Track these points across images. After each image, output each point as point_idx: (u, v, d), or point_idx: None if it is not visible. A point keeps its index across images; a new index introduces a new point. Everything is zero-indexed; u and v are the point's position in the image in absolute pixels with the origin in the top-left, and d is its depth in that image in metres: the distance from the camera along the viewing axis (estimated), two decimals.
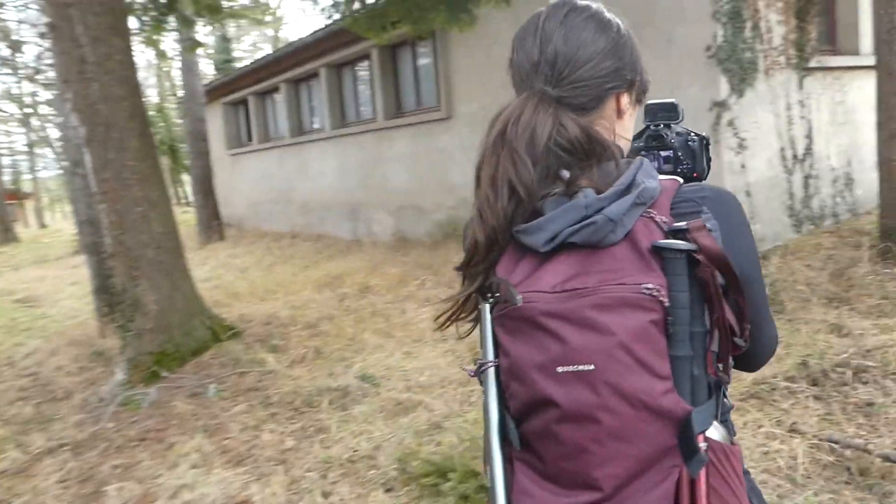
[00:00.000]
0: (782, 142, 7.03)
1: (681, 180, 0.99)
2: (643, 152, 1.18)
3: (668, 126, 1.18)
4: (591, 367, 0.86)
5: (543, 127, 0.94)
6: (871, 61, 7.98)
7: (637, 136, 1.20)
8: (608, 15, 1.04)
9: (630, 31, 1.07)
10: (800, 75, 7.18)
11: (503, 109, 1.00)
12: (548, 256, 0.93)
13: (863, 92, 7.85)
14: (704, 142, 1.18)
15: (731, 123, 6.40)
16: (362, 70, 12.01)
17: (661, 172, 1.12)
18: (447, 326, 1.04)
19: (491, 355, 0.95)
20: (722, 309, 0.90)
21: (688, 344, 0.89)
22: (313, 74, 13.01)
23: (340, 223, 12.46)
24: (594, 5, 1.04)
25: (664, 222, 0.91)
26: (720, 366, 0.94)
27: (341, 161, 12.28)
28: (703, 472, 0.87)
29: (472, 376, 0.97)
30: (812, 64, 7.20)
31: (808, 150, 7.29)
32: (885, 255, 5.03)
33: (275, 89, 14.64)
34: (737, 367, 1.05)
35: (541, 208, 0.93)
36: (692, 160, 1.17)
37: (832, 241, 6.52)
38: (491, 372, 0.95)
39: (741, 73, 6.44)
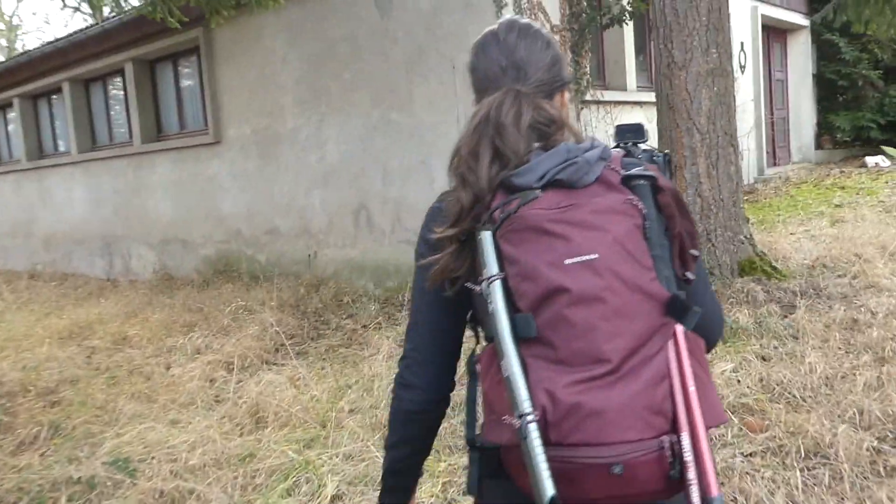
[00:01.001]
0: None
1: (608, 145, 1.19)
2: None
3: (635, 145, 1.30)
4: (596, 255, 1.03)
5: (527, 111, 1.18)
6: (637, 97, 8.52)
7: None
8: (545, 32, 1.31)
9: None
10: (577, 108, 7.33)
11: (482, 104, 1.22)
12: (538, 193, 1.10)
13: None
14: (666, 158, 1.32)
15: None
16: (115, 87, 10.67)
17: None
18: (437, 284, 1.19)
19: (496, 270, 1.06)
20: (679, 224, 1.10)
21: (659, 247, 1.08)
22: (55, 89, 11.38)
23: (92, 259, 10.93)
24: (535, 24, 1.31)
25: (622, 171, 1.12)
26: (684, 272, 1.14)
27: (92, 189, 10.80)
28: (683, 349, 1.02)
29: (480, 291, 1.08)
30: (587, 97, 7.40)
31: None
32: None
33: (7, 105, 12.66)
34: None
35: (526, 161, 1.13)
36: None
37: None
38: (497, 284, 1.05)
39: None
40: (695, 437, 0.98)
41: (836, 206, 8.32)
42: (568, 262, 1.03)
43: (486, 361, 1.09)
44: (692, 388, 1.00)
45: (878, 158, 11.68)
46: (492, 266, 1.06)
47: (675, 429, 0.99)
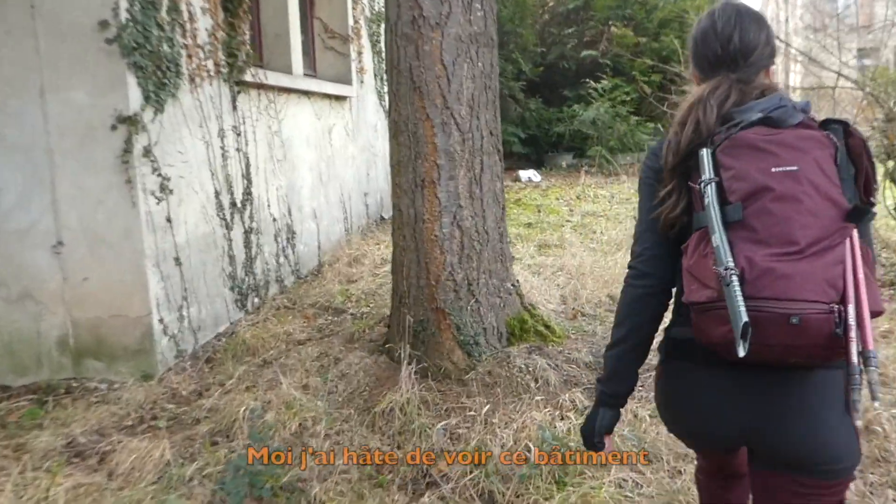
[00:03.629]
0: (218, 183, 4.85)
1: None
2: None
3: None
4: (796, 167, 1.30)
5: (731, 97, 1.44)
6: (306, 85, 6.59)
7: None
8: (758, 12, 1.54)
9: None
10: (233, 91, 5.12)
11: (700, 90, 1.48)
12: (751, 127, 1.37)
13: (297, 121, 6.28)
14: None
15: (148, 152, 3.90)
16: None
17: None
18: (671, 217, 1.46)
19: (712, 174, 1.34)
20: (865, 161, 1.36)
21: (846, 172, 1.34)
22: None
23: None
24: (747, 6, 1.55)
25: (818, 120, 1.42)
26: (868, 198, 1.36)
27: None
28: (857, 249, 1.27)
29: (699, 188, 1.37)
30: (247, 77, 5.24)
31: (248, 194, 5.30)
32: (421, 368, 3.25)
33: None
34: None
35: (730, 116, 1.42)
36: None
37: (301, 326, 4.61)
38: (713, 186, 1.33)
39: (159, 75, 4.00)
40: (859, 309, 1.23)
41: (527, 225, 7.39)
42: (774, 170, 1.30)
43: (694, 242, 1.36)
44: (861, 275, 1.25)
45: (531, 173, 11.47)
46: (709, 172, 1.35)
47: (843, 302, 1.23)
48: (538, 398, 3.04)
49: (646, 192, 1.54)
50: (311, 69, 7.40)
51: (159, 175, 4.02)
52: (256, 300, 5.34)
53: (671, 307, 1.55)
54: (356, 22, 7.77)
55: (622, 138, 12.31)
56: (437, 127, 3.18)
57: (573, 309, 4.35)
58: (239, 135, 5.20)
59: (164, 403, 3.43)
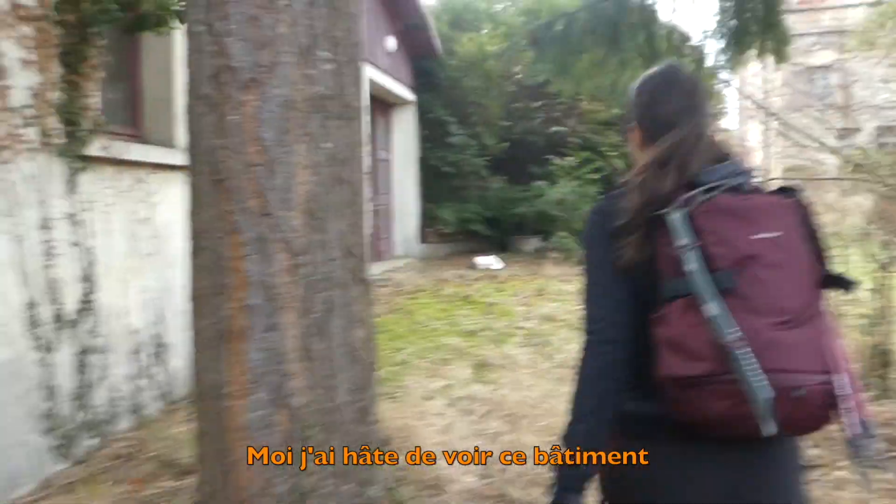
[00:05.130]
0: (32, 291, 3.59)
1: None
2: None
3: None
4: (780, 233, 1.30)
5: (693, 156, 1.43)
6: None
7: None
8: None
9: None
10: (71, 168, 3.91)
11: (668, 138, 1.47)
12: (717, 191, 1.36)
13: (180, 206, 5.07)
14: None
15: None
16: None
17: None
18: (628, 265, 1.38)
19: (691, 240, 1.29)
20: (817, 227, 1.37)
21: (809, 238, 1.35)
22: None
23: None
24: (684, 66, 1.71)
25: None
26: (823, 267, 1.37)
27: None
28: (829, 316, 1.31)
29: (682, 254, 1.29)
30: (96, 151, 4.05)
31: (88, 302, 4.02)
32: None
33: None
34: None
35: (697, 179, 1.38)
36: None
37: (119, 499, 3.25)
38: (696, 251, 1.28)
39: None
40: (850, 377, 1.23)
41: (470, 333, 6.12)
42: (756, 237, 1.29)
43: (678, 310, 1.28)
44: (841, 343, 1.28)
45: (490, 259, 10.27)
46: (686, 237, 1.29)
47: (832, 371, 1.22)
48: None
49: (600, 255, 1.46)
50: None
51: None
52: (95, 441, 4.00)
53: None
54: None
55: None
56: (248, 245, 1.95)
57: (488, 479, 3.06)
58: (77, 224, 3.96)
59: None
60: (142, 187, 4.58)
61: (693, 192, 1.33)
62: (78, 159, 3.97)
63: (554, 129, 11.97)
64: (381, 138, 11.54)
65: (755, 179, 1.42)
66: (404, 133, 12.16)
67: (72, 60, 3.92)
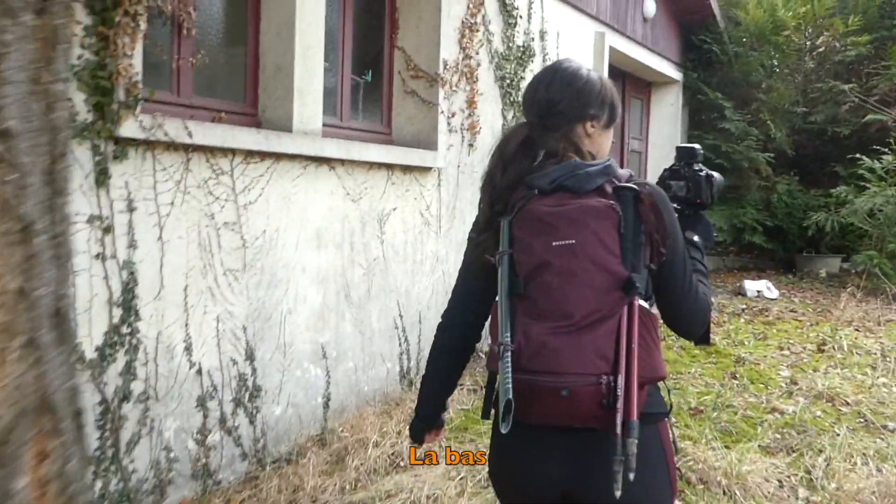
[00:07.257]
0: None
1: (633, 172, 1.53)
2: (667, 180, 1.81)
3: (688, 165, 1.79)
4: (573, 241, 1.38)
5: (540, 140, 1.58)
6: (316, 148, 3.76)
7: (666, 169, 1.85)
8: (583, 71, 1.61)
9: (602, 79, 1.63)
10: (100, 153, 2.86)
11: (506, 130, 1.65)
12: (547, 194, 1.47)
13: (295, 206, 3.85)
14: (708, 177, 1.77)
15: None
16: None
17: (675, 198, 1.75)
18: (480, 258, 1.55)
19: (506, 246, 1.45)
20: (651, 226, 1.41)
21: (631, 241, 1.40)
22: None
23: None
24: (573, 64, 1.63)
25: (619, 182, 1.46)
26: (650, 264, 1.44)
27: None
28: (635, 318, 1.34)
29: (494, 262, 1.46)
30: (139, 133, 2.95)
31: (118, 334, 2.95)
32: None
33: None
34: (676, 333, 1.63)
35: (527, 181, 1.50)
36: (698, 189, 1.76)
37: None
38: (506, 258, 1.44)
39: None
40: (629, 380, 1.30)
41: (694, 413, 4.14)
42: (554, 244, 1.40)
43: (494, 309, 1.48)
44: (635, 346, 1.32)
45: (762, 284, 7.87)
46: (505, 244, 1.46)
47: (614, 371, 1.30)
48: None
49: (468, 248, 1.66)
50: (383, 123, 4.99)
51: None
52: None
53: None
54: (467, 56, 5.21)
55: None
56: None
57: None
58: (106, 231, 2.91)
59: None
60: (225, 180, 3.43)
61: (519, 197, 1.50)
62: (113, 142, 2.91)
63: (869, 117, 9.01)
64: (633, 124, 9.60)
65: (597, 178, 1.46)
66: (665, 119, 10.05)
67: (101, 6, 2.85)
